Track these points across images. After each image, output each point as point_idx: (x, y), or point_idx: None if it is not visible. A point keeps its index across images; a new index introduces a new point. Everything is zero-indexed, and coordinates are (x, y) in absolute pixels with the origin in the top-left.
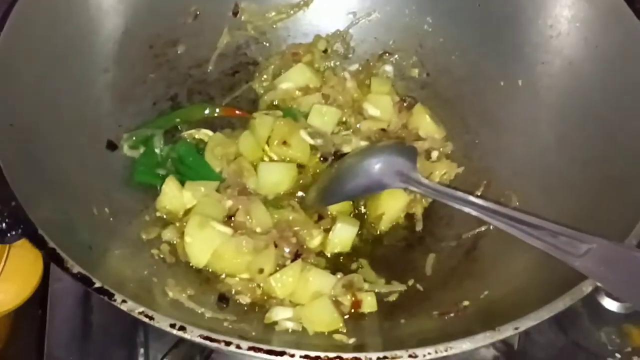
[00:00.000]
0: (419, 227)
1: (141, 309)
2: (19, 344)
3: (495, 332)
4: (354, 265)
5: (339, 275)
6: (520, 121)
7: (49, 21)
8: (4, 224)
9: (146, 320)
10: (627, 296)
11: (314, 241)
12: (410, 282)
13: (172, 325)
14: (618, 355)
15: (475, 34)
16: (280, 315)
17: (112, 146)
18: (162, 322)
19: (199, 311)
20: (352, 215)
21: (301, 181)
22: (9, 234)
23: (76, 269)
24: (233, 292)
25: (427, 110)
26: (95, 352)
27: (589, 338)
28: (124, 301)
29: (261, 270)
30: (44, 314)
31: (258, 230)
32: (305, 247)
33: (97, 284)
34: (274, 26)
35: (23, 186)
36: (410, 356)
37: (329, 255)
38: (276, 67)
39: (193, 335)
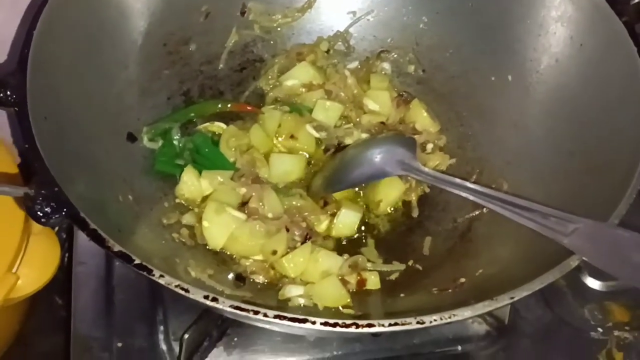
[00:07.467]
0: (415, 213)
1: (177, 283)
2: (39, 324)
3: (493, 302)
4: (359, 245)
5: (345, 256)
6: (511, 114)
7: (74, 22)
8: (48, 208)
9: (182, 292)
10: (610, 269)
11: (322, 225)
12: (410, 262)
13: (206, 297)
14: (600, 330)
15: (468, 32)
16: (293, 292)
17: (132, 138)
18: (196, 295)
19: (219, 289)
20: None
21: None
22: (53, 217)
23: (117, 247)
24: (248, 272)
25: (423, 105)
26: (119, 329)
27: (573, 314)
28: (161, 276)
29: (274, 252)
30: (63, 298)
31: (270, 215)
32: (313, 230)
33: (137, 261)
34: (279, 28)
35: (61, 174)
36: (418, 322)
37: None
38: (281, 65)
39: (224, 305)
